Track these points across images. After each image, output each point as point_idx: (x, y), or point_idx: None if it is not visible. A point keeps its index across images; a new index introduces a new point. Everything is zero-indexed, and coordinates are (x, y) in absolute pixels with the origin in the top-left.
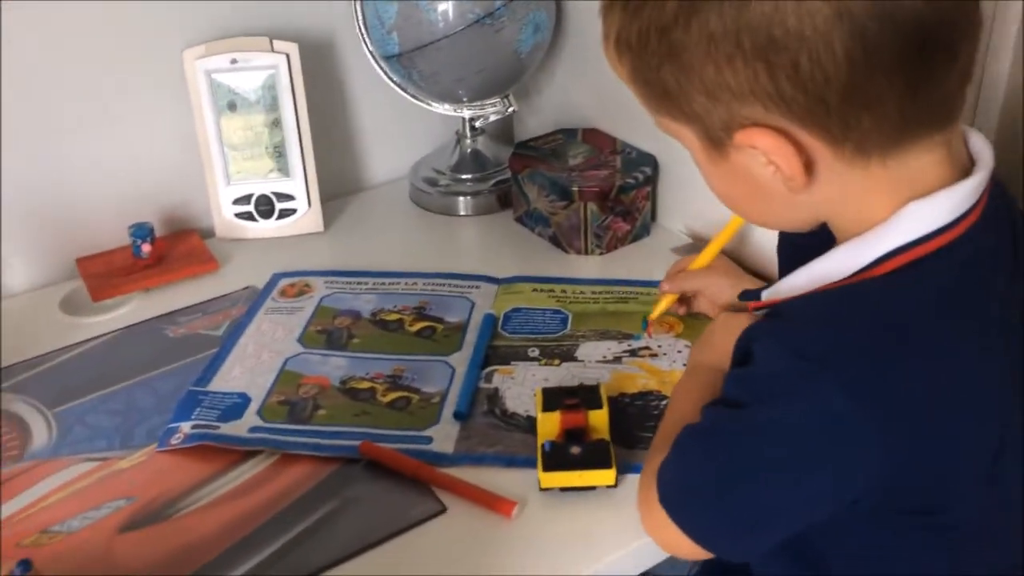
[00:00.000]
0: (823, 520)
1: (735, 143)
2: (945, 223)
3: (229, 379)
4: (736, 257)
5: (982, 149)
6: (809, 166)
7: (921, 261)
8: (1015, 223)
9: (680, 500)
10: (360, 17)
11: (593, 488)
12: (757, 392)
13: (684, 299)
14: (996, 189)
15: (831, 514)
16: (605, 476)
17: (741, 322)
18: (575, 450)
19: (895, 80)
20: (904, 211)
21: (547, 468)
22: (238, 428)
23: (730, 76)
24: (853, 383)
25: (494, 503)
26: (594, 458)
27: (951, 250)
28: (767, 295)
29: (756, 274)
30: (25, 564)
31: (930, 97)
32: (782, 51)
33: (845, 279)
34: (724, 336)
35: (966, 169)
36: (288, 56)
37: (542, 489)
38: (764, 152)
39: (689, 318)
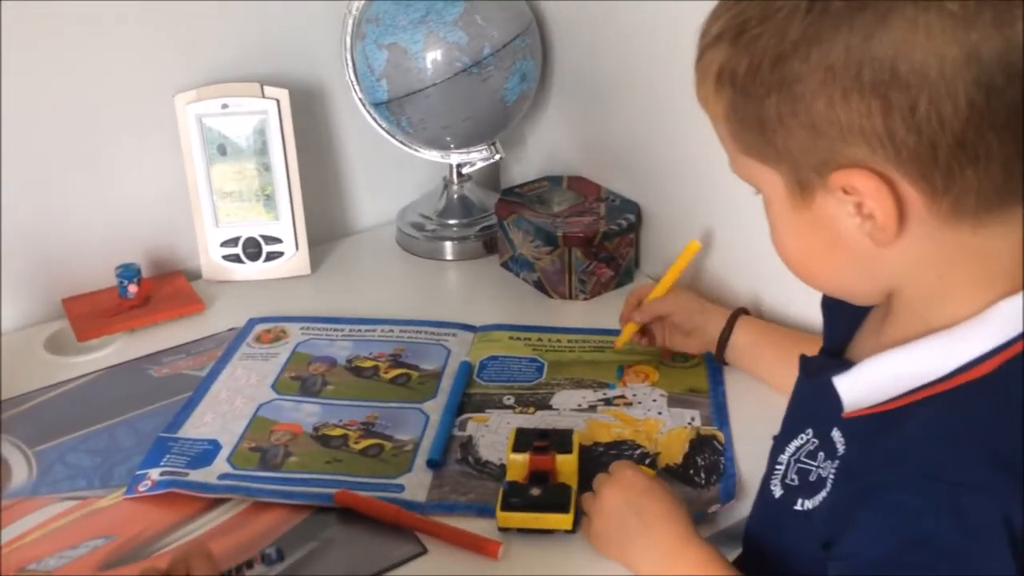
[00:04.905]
0: None
1: (829, 185)
2: None
3: (200, 425)
4: (694, 289)
5: None
6: (902, 217)
7: (1017, 358)
8: None
9: None
10: (350, 64)
11: (551, 532)
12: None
13: (644, 331)
14: None
15: None
16: (562, 520)
17: (667, 491)
18: (535, 492)
19: (1006, 139)
20: (996, 310)
21: (504, 508)
22: (208, 475)
23: (842, 111)
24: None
25: (480, 544)
26: (553, 501)
27: None
28: (849, 387)
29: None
30: None
31: None
32: (903, 89)
33: (945, 381)
34: (662, 500)
35: None
36: (278, 102)
37: (500, 528)
38: (862, 195)
39: (665, 366)
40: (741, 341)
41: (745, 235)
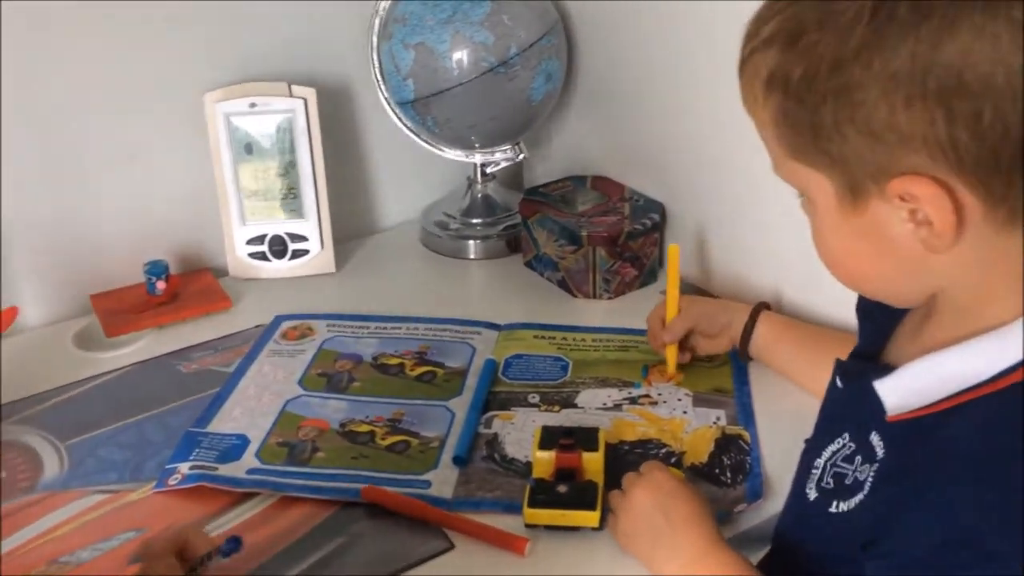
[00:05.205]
0: None
1: (886, 192)
2: None
3: (229, 420)
4: (705, 290)
5: None
6: (960, 224)
7: None
8: None
9: None
10: (377, 64)
11: (577, 529)
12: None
13: (681, 347)
14: None
15: None
16: (589, 518)
17: (695, 494)
18: (562, 489)
19: None
20: None
21: (532, 504)
22: (236, 469)
23: (904, 119)
24: None
25: (507, 541)
26: (580, 498)
27: None
28: (891, 391)
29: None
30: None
31: None
32: (968, 98)
33: (992, 382)
34: (689, 503)
35: None
36: (305, 101)
37: (526, 525)
38: (920, 202)
39: (690, 366)
40: (764, 336)
41: (767, 233)
